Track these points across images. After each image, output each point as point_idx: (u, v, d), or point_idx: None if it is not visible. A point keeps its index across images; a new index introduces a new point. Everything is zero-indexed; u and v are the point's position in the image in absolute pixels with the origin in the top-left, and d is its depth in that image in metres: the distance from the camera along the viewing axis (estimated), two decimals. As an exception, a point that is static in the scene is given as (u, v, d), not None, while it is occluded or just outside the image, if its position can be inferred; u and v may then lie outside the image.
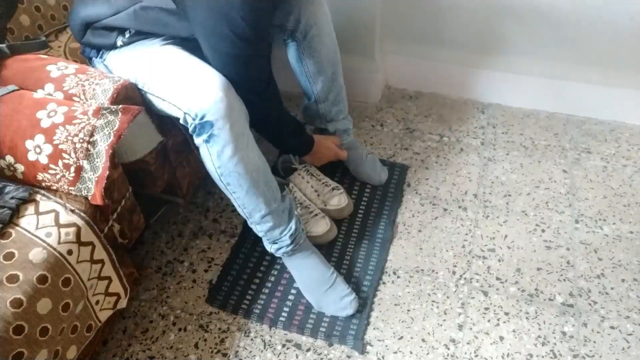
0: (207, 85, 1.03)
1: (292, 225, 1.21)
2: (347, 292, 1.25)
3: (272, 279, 1.32)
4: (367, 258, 1.34)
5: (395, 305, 1.26)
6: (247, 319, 1.26)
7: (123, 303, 1.14)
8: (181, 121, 1.08)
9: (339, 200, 1.43)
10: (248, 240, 1.41)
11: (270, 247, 1.25)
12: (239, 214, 1.18)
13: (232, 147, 1.05)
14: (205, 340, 1.23)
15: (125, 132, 0.99)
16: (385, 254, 1.35)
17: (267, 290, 1.30)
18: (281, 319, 1.24)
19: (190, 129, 1.06)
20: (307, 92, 1.42)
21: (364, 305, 1.25)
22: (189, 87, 1.06)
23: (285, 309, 1.26)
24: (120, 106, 1.02)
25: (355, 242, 1.37)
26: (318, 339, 1.21)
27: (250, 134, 1.10)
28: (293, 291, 1.29)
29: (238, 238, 1.42)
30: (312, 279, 1.26)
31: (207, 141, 1.06)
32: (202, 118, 1.03)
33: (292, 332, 1.22)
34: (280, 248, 1.23)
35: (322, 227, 1.36)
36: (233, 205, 1.17)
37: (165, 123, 1.20)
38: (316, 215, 1.38)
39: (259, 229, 1.21)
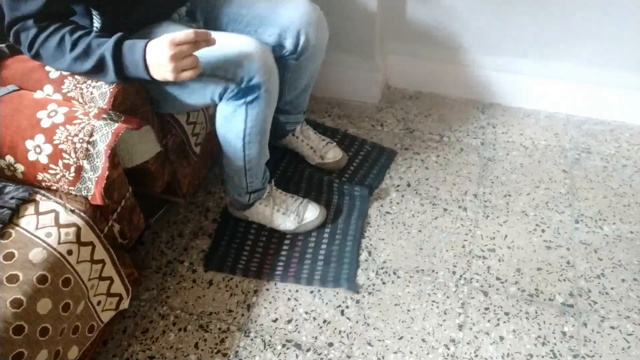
0: (248, 50, 1.04)
1: (267, 172, 1.34)
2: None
3: (264, 238, 1.40)
4: (349, 212, 1.44)
5: (395, 305, 1.26)
6: (244, 277, 1.33)
7: (125, 304, 1.14)
8: (219, 92, 1.08)
9: (335, 153, 1.54)
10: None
11: (247, 199, 1.33)
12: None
13: (271, 106, 1.13)
14: (205, 340, 1.23)
15: (123, 133, 0.99)
16: (366, 204, 1.46)
17: (260, 249, 1.38)
18: (277, 272, 1.32)
19: (231, 95, 1.08)
20: None
21: (352, 252, 1.34)
22: (231, 55, 1.04)
23: (280, 263, 1.35)
24: (123, 117, 1.02)
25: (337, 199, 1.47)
26: (314, 285, 1.29)
27: None
28: (285, 247, 1.37)
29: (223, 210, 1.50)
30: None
31: (250, 103, 1.09)
32: (249, 81, 1.05)
33: (289, 282, 1.30)
34: (256, 193, 1.33)
35: (313, 212, 1.40)
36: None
37: (166, 124, 1.20)
38: (302, 202, 1.40)
39: (251, 188, 1.30)
